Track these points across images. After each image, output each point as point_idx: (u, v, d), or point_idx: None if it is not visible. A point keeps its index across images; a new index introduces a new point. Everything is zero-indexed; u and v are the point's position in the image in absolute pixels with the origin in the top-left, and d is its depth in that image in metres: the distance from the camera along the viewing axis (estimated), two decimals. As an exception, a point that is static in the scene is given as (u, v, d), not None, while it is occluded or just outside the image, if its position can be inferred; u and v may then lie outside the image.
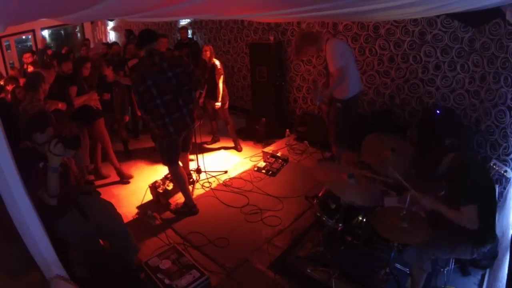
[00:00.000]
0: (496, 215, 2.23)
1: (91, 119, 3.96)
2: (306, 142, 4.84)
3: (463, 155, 2.18)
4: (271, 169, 4.26)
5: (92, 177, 4.32)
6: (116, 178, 4.31)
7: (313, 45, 3.48)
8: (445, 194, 2.19)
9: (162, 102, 3.03)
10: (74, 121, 3.86)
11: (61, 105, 3.58)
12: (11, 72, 6.63)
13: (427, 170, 2.19)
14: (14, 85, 4.12)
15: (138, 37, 3.17)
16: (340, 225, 2.51)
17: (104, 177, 4.36)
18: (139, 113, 5.00)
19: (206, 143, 5.03)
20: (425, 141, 2.28)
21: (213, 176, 4.21)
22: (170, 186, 3.78)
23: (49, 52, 7.01)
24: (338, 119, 3.75)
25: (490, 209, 2.10)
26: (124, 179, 4.28)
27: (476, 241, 2.10)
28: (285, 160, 4.43)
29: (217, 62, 4.56)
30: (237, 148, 5.00)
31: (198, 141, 3.93)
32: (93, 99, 3.86)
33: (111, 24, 9.62)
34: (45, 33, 9.35)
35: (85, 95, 3.82)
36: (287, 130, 5.05)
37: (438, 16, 3.74)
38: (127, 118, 5.08)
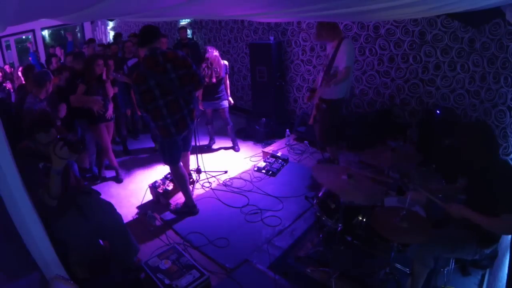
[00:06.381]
0: None
1: (93, 122, 3.98)
2: (306, 142, 4.84)
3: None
4: (271, 169, 4.26)
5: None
6: (112, 174, 4.45)
7: (327, 30, 3.48)
8: (479, 199, 2.10)
9: (165, 103, 3.00)
10: (77, 119, 3.93)
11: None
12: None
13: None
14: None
15: (140, 35, 3.04)
16: (340, 225, 2.51)
17: (103, 176, 4.46)
18: (139, 113, 5.00)
19: (204, 146, 5.03)
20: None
21: (213, 176, 4.21)
22: (170, 186, 3.78)
23: (58, 50, 6.91)
24: (324, 120, 3.73)
25: None
26: (119, 177, 4.37)
27: (482, 243, 2.09)
28: (285, 160, 4.43)
29: (226, 62, 4.67)
30: (235, 149, 5.02)
31: (197, 142, 3.94)
32: (95, 103, 3.84)
33: (111, 24, 9.62)
34: (45, 33, 9.35)
35: (89, 98, 3.82)
36: (287, 130, 5.06)
37: (438, 16, 3.74)
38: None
